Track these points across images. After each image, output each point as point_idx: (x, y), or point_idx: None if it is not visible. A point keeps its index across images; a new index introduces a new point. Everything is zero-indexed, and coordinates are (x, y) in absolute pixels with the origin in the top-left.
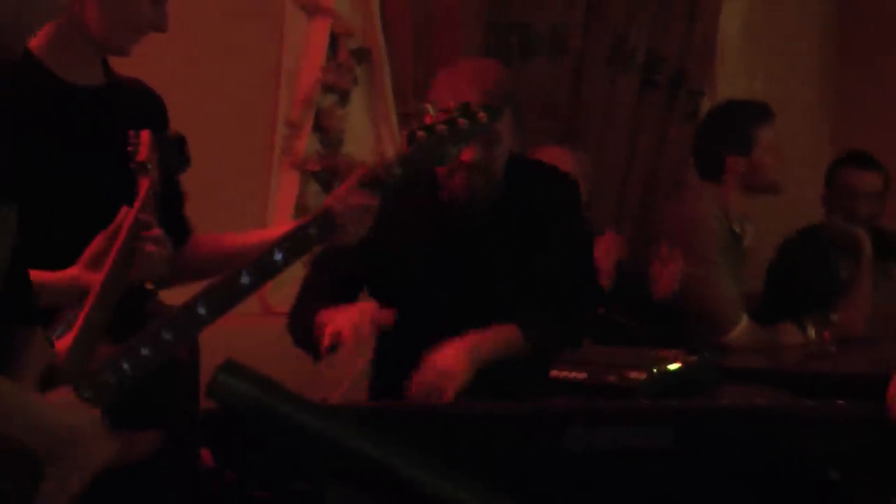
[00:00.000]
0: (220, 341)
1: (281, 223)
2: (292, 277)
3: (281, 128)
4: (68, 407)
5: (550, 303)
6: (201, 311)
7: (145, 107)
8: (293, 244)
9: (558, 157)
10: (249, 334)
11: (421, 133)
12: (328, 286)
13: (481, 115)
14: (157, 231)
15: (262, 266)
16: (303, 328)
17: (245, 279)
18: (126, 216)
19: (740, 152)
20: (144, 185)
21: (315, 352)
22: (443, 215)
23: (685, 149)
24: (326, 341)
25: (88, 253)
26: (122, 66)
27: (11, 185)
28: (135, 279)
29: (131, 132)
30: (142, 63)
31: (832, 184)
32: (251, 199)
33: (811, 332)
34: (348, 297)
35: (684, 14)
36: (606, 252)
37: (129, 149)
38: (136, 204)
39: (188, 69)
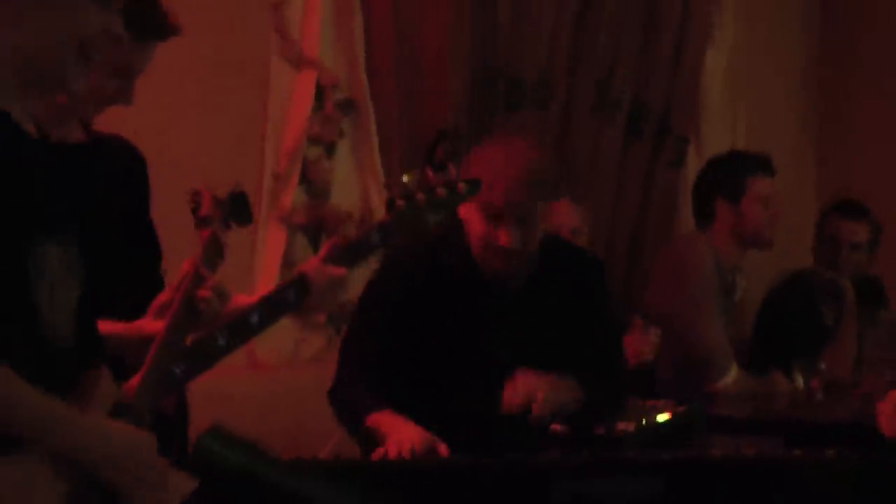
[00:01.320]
0: (208, 393)
1: (267, 277)
2: (280, 330)
3: (267, 180)
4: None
5: (598, 377)
6: (177, 370)
7: (126, 162)
8: (269, 308)
9: (566, 209)
10: (237, 387)
11: (400, 202)
12: (371, 358)
13: (460, 185)
14: (212, 282)
15: (239, 328)
16: (352, 421)
17: (221, 341)
18: (189, 267)
19: (730, 199)
20: (204, 236)
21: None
22: (479, 293)
23: (672, 196)
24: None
25: (156, 303)
26: (109, 118)
27: (69, 221)
28: (199, 325)
29: (193, 191)
30: (127, 115)
31: (820, 232)
32: (237, 254)
33: (799, 380)
34: (390, 370)
35: (667, 62)
36: (641, 341)
37: (191, 205)
38: (198, 254)
39: (174, 122)
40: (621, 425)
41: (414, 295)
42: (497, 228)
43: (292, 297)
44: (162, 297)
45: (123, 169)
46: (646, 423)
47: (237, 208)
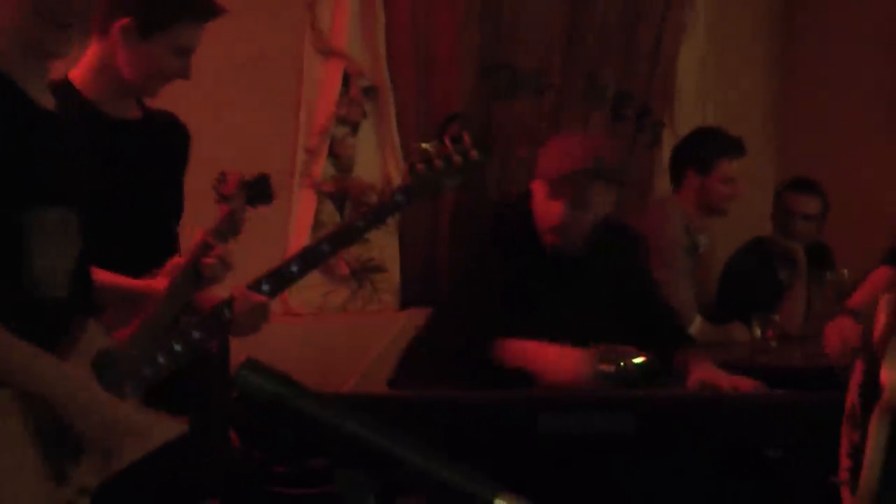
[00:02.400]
0: (247, 338)
1: (300, 235)
2: (311, 283)
3: (300, 154)
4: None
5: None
6: (226, 314)
7: (176, 136)
8: (308, 258)
9: None
10: (272, 332)
11: (420, 166)
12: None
13: (473, 153)
14: (219, 251)
15: (280, 276)
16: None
17: (265, 287)
18: (198, 236)
19: (699, 172)
20: (224, 211)
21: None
22: (545, 264)
23: (648, 173)
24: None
25: (168, 265)
26: (169, 101)
27: (72, 192)
28: (200, 288)
29: (221, 172)
30: (183, 99)
31: (777, 205)
32: (275, 215)
33: (756, 330)
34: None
35: (648, 55)
36: None
37: (215, 185)
38: (211, 226)
39: (221, 104)
40: (602, 366)
41: (520, 268)
42: (586, 210)
43: (327, 248)
44: (175, 260)
45: (172, 142)
46: (623, 365)
47: (261, 189)
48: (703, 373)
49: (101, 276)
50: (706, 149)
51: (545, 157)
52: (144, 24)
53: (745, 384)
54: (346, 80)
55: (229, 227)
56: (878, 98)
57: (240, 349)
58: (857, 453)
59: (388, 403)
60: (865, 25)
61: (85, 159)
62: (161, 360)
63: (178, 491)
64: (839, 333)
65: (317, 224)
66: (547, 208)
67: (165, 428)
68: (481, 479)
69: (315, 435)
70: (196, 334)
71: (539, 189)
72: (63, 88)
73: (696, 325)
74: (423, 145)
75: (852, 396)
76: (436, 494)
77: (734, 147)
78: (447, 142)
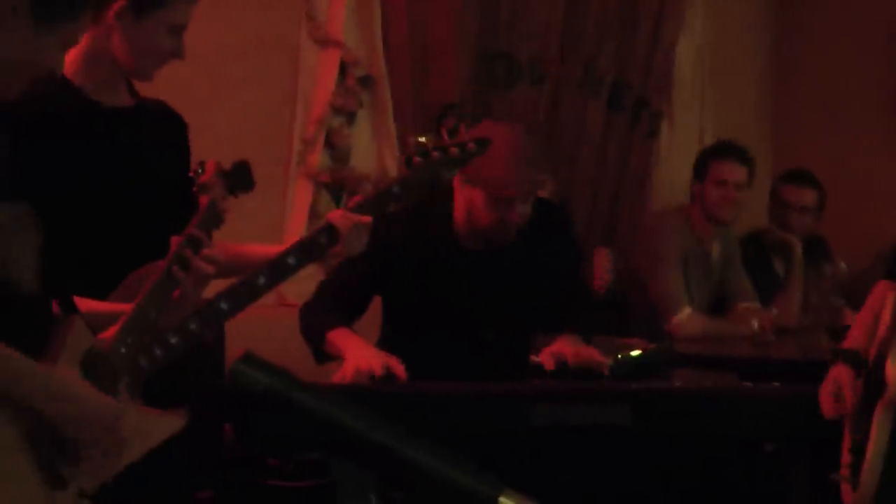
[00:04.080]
0: (241, 328)
1: (296, 226)
2: (305, 275)
3: (297, 144)
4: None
5: (577, 314)
6: (223, 306)
7: (169, 124)
8: (304, 251)
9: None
10: (267, 323)
11: (417, 159)
12: (342, 295)
13: (470, 145)
14: (207, 248)
15: (277, 268)
16: (315, 330)
17: (262, 280)
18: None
19: (697, 179)
20: (204, 202)
21: (319, 357)
22: (456, 245)
23: (646, 163)
24: (343, 377)
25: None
26: (165, 91)
27: (22, 184)
28: (186, 283)
29: (199, 161)
30: (176, 87)
31: (774, 197)
32: (271, 205)
33: (754, 323)
34: (358, 306)
35: (646, 45)
36: (602, 267)
37: (192, 174)
38: (194, 219)
39: (218, 93)
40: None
41: (396, 249)
42: (507, 211)
43: (323, 241)
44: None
45: (166, 131)
46: (620, 357)
47: (240, 176)
48: (555, 345)
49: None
50: (702, 155)
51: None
52: (139, 5)
53: (589, 354)
54: (343, 69)
55: (211, 218)
56: (874, 89)
57: (235, 340)
58: (859, 449)
59: (383, 395)
60: (863, 17)
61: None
62: (157, 352)
63: (172, 483)
64: (834, 392)
65: (313, 213)
66: (472, 208)
67: (163, 425)
68: (485, 476)
69: (312, 428)
70: (192, 325)
71: (462, 186)
72: (55, 79)
73: (684, 316)
74: (420, 138)
75: (856, 394)
76: (438, 491)
77: (724, 148)
78: (444, 133)
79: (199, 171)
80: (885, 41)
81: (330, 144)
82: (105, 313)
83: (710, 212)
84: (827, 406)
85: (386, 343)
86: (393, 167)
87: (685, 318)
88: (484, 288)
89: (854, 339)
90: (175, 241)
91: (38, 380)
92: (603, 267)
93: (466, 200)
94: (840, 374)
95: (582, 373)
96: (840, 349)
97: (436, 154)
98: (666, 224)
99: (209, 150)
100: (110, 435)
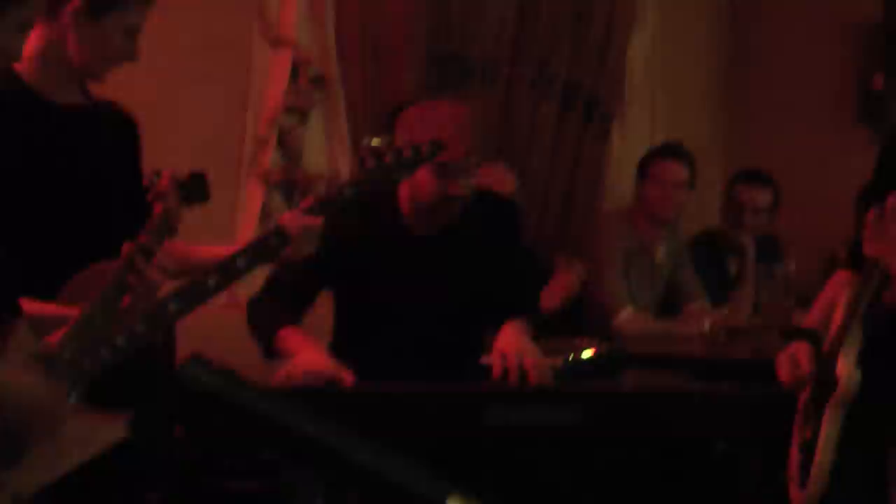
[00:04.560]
0: (192, 328)
1: (248, 225)
2: (256, 274)
3: (249, 144)
4: (34, 384)
5: (522, 305)
6: (172, 307)
7: (120, 125)
8: (254, 252)
9: (502, 173)
10: (218, 322)
11: (370, 161)
12: (291, 288)
13: (424, 148)
14: (155, 258)
15: (227, 270)
16: (264, 327)
17: (212, 281)
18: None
19: (640, 179)
20: (157, 209)
21: (268, 353)
22: (404, 233)
23: (597, 164)
24: (288, 375)
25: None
26: (117, 90)
27: None
28: (134, 289)
29: (153, 170)
30: (127, 86)
31: (729, 197)
32: (222, 206)
33: (705, 323)
34: (308, 299)
35: (598, 46)
36: (565, 284)
37: (147, 181)
38: (147, 227)
39: (169, 93)
40: (551, 360)
41: (344, 240)
42: (449, 180)
43: (274, 243)
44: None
45: (117, 132)
46: (572, 358)
47: (196, 187)
48: (499, 341)
49: (28, 307)
50: (644, 156)
51: (412, 131)
52: (96, 5)
53: (529, 360)
54: (295, 69)
55: (164, 227)
56: (826, 88)
57: (186, 340)
58: (809, 447)
59: (332, 396)
60: (816, 16)
61: None
62: (103, 352)
63: (120, 484)
64: (792, 359)
65: (264, 214)
66: (415, 184)
67: (104, 433)
68: (432, 479)
69: (260, 431)
70: (140, 327)
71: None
72: (3, 76)
73: (625, 316)
74: (374, 142)
75: (805, 393)
76: (385, 494)
77: (664, 149)
78: (397, 136)
79: (155, 178)
80: (839, 40)
81: (282, 144)
82: (51, 316)
83: (650, 212)
84: (784, 371)
85: (338, 338)
86: (345, 167)
87: (626, 316)
88: (434, 273)
89: (809, 324)
90: (126, 247)
91: None
92: (567, 278)
93: (411, 180)
94: (797, 346)
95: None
96: (797, 330)
97: (389, 157)
98: (607, 225)
99: (161, 149)
100: (52, 435)
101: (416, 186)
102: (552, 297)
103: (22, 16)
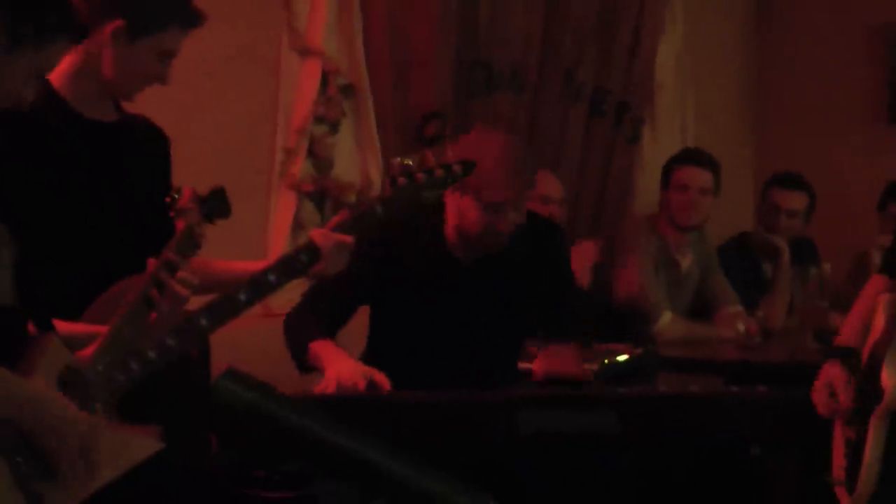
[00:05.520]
0: (227, 340)
1: (280, 236)
2: (291, 286)
3: (279, 154)
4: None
5: (566, 326)
6: (203, 321)
7: (152, 140)
8: (285, 268)
9: (549, 179)
10: (253, 333)
11: (402, 179)
12: (328, 304)
13: (456, 167)
14: (181, 272)
15: (258, 285)
16: (298, 341)
17: (243, 296)
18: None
19: (663, 188)
20: (181, 226)
21: (302, 367)
22: (447, 257)
23: (628, 169)
24: (325, 389)
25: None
26: (147, 103)
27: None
28: (162, 307)
29: (175, 187)
30: (157, 98)
31: (763, 199)
32: (254, 216)
33: (740, 326)
34: (344, 315)
35: (626, 51)
36: (584, 258)
37: (168, 199)
38: (171, 243)
39: (200, 104)
40: (585, 365)
41: (386, 257)
42: (498, 217)
43: (305, 259)
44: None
45: (149, 147)
46: (608, 363)
47: (217, 203)
48: (538, 359)
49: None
50: (666, 163)
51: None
52: (135, 28)
53: (575, 372)
54: (324, 78)
55: (188, 243)
56: (856, 90)
57: (221, 351)
58: (855, 451)
59: (366, 404)
60: (843, 19)
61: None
62: (134, 366)
63: (156, 497)
64: (826, 386)
65: (296, 225)
66: (463, 216)
67: (138, 447)
68: (471, 490)
69: (295, 444)
70: (170, 341)
71: (452, 194)
72: (40, 90)
73: (666, 321)
74: (406, 160)
75: (848, 396)
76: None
77: (686, 154)
78: (429, 155)
79: (176, 196)
80: (866, 43)
81: (313, 154)
82: (82, 334)
83: (674, 218)
84: (821, 404)
85: (372, 353)
86: (376, 176)
87: (667, 322)
88: (474, 298)
89: (846, 335)
90: (151, 263)
91: (13, 386)
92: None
93: (457, 208)
94: (833, 372)
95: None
96: (832, 346)
97: (420, 176)
98: (634, 232)
99: (191, 162)
100: (86, 449)
101: (463, 216)
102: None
103: (37, 59)
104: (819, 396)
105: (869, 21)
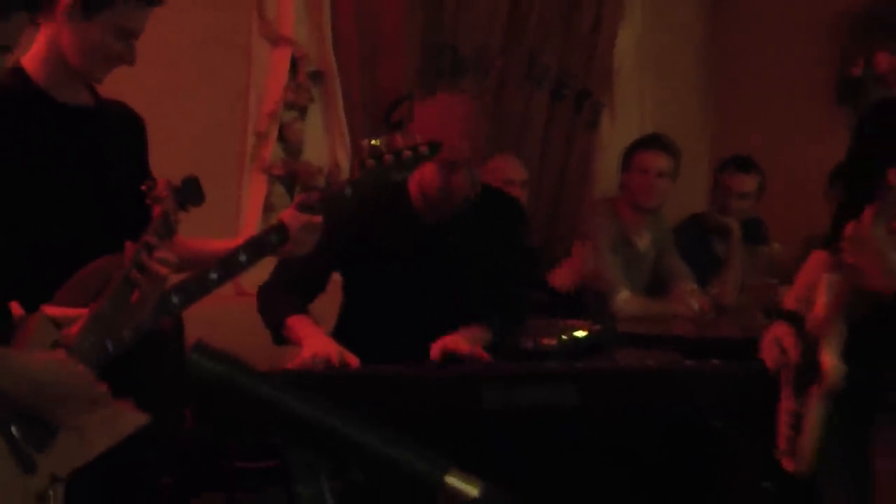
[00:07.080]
0: (200, 318)
1: (251, 218)
2: (261, 264)
3: (250, 139)
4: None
5: (507, 303)
6: (175, 300)
7: (128, 124)
8: (255, 248)
9: (512, 163)
10: (225, 312)
11: (370, 161)
12: (300, 275)
13: (422, 148)
14: (160, 252)
15: (228, 264)
16: (274, 314)
17: (213, 275)
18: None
19: (624, 170)
20: (156, 211)
21: (277, 340)
22: (414, 221)
23: (588, 152)
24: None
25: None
26: (120, 88)
27: None
28: (144, 287)
29: (149, 180)
30: (129, 84)
31: (716, 182)
32: (226, 199)
33: (694, 303)
34: (317, 285)
35: (587, 37)
36: (578, 267)
37: (144, 187)
38: (149, 227)
39: (172, 89)
40: (545, 340)
41: (355, 223)
42: (453, 175)
43: (274, 240)
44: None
45: (125, 131)
46: (566, 338)
47: (190, 191)
48: (448, 339)
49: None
50: (627, 147)
51: (421, 127)
52: (86, 3)
53: (481, 353)
54: (294, 65)
55: (164, 227)
56: (811, 76)
57: (193, 329)
58: (798, 423)
59: (335, 378)
60: (799, 5)
61: None
62: (108, 345)
63: (133, 469)
64: (775, 342)
65: (267, 206)
66: (422, 176)
67: (129, 419)
68: (431, 457)
69: (265, 415)
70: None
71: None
72: (15, 76)
73: (623, 298)
74: (373, 141)
75: (796, 352)
76: (386, 473)
77: (647, 139)
78: (397, 137)
79: (151, 186)
80: (822, 29)
81: (283, 138)
82: (63, 317)
83: (634, 200)
84: (770, 358)
85: (346, 321)
86: (344, 159)
87: (625, 299)
88: (437, 259)
89: (790, 304)
90: (130, 247)
91: (12, 363)
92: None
93: (418, 169)
94: (781, 330)
95: (534, 353)
96: (779, 310)
97: (388, 158)
98: (594, 213)
99: (165, 145)
100: (95, 407)
101: (423, 178)
102: (564, 276)
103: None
104: (768, 352)
105: (823, 9)
